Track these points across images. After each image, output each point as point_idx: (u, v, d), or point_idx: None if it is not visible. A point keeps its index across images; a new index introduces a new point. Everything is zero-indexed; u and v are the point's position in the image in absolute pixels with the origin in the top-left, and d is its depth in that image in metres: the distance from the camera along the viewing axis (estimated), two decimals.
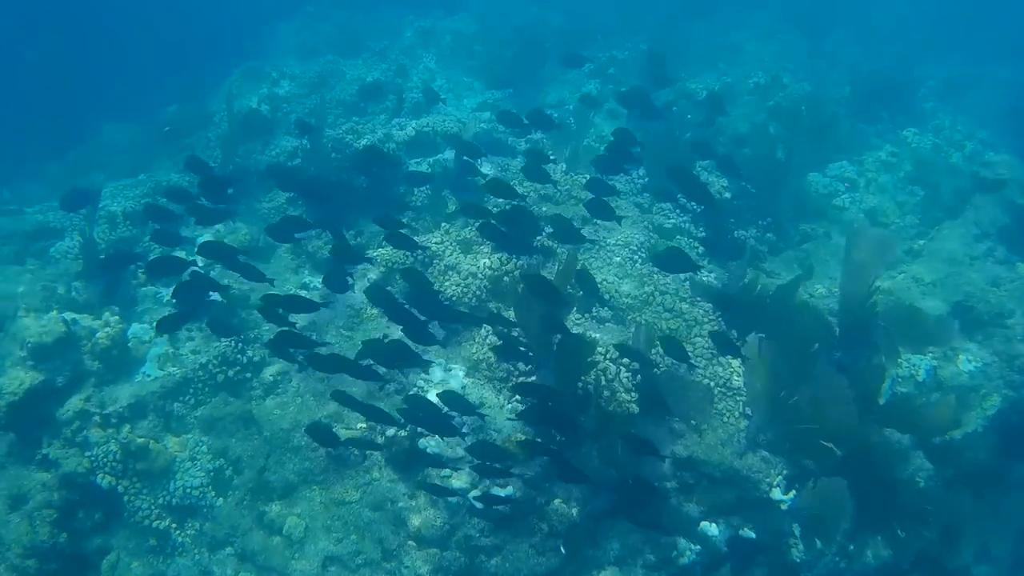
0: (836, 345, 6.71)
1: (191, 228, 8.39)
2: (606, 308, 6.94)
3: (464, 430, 5.95)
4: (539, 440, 5.72)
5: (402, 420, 5.36)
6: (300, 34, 14.78)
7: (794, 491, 6.03)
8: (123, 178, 10.04)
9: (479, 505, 5.67)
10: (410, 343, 5.41)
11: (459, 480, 5.77)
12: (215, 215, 6.58)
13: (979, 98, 12.70)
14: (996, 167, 8.93)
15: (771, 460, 6.13)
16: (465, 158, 7.84)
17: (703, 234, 8.12)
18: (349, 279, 6.21)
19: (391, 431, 5.98)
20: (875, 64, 12.08)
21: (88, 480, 6.38)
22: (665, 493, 5.93)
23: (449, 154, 9.09)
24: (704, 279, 7.29)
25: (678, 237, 8.01)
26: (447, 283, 6.90)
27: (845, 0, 15.14)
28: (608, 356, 6.07)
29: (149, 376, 6.97)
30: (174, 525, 6.39)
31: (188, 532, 6.39)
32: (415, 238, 6.47)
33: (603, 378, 5.98)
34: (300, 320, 6.92)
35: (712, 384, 6.40)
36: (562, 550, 5.70)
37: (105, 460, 6.39)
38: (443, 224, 7.67)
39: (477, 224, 6.28)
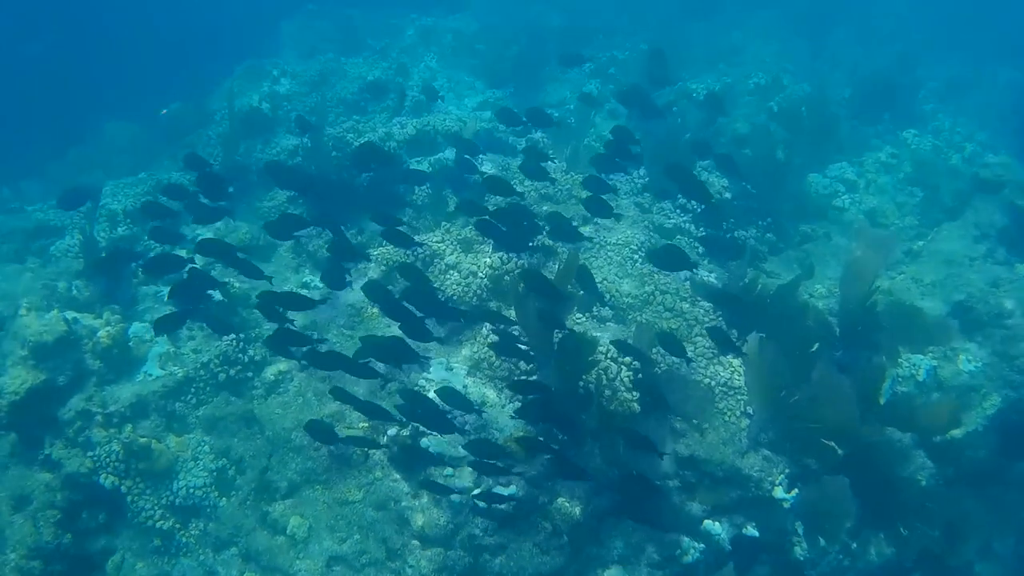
0: (837, 345, 6.73)
1: (192, 227, 8.40)
2: (607, 307, 6.96)
3: (466, 429, 5.97)
4: (537, 437, 5.73)
5: (401, 417, 5.36)
6: (301, 32, 14.81)
7: (796, 489, 6.05)
8: (124, 176, 10.03)
9: (482, 504, 5.69)
10: (408, 340, 5.41)
11: (462, 479, 5.78)
12: (213, 213, 6.57)
13: (979, 100, 12.77)
14: (996, 168, 8.95)
15: (773, 459, 6.15)
16: (464, 156, 7.86)
17: (703, 233, 8.14)
18: (348, 276, 6.20)
19: (393, 430, 5.99)
20: (875, 65, 12.13)
21: (91, 480, 6.37)
22: (668, 492, 5.94)
23: (450, 153, 9.11)
24: (705, 279, 7.31)
25: (678, 237, 8.03)
26: (448, 282, 6.91)
27: (846, 1, 15.18)
28: (609, 355, 6.09)
29: (151, 375, 6.97)
30: (178, 525, 6.39)
31: (192, 532, 6.39)
32: (415, 237, 6.48)
33: (604, 377, 6.00)
34: (300, 319, 6.93)
35: (713, 383, 6.41)
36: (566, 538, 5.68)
37: (108, 460, 6.38)
38: (444, 223, 7.68)
39: (472, 219, 6.30)
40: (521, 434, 5.80)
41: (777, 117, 10.47)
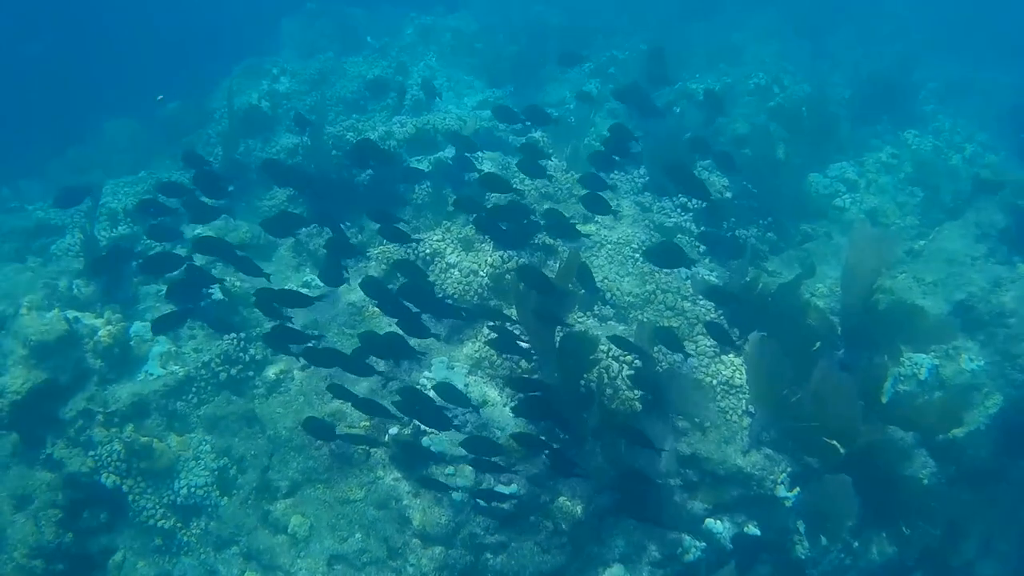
0: (838, 343, 6.73)
1: (192, 226, 8.39)
2: (608, 306, 6.95)
3: (467, 427, 5.97)
4: (533, 434, 5.72)
5: (399, 414, 5.36)
6: (301, 31, 14.81)
7: (798, 488, 6.05)
8: (124, 175, 10.04)
9: (482, 503, 5.68)
10: (407, 336, 5.41)
11: (463, 478, 5.78)
12: (209, 213, 6.55)
13: (979, 101, 12.80)
14: (996, 169, 8.97)
15: (775, 457, 6.15)
16: (461, 153, 7.86)
17: (702, 230, 8.14)
18: (346, 273, 6.19)
19: (394, 428, 5.99)
20: (876, 66, 12.14)
21: (92, 480, 6.35)
22: (669, 490, 5.94)
23: (450, 152, 9.11)
24: (706, 277, 7.31)
25: (679, 236, 8.03)
26: (448, 280, 6.90)
27: (846, 2, 15.20)
28: (611, 354, 6.09)
29: (151, 375, 6.95)
30: (179, 524, 6.38)
31: (193, 531, 6.38)
32: (415, 236, 6.48)
33: (606, 376, 6.00)
34: (301, 318, 6.93)
35: (714, 382, 6.41)
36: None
37: (109, 459, 6.36)
38: (444, 222, 7.67)
39: (472, 217, 6.29)
40: (518, 431, 5.79)
41: (777, 117, 10.49)
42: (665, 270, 7.14)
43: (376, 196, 8.36)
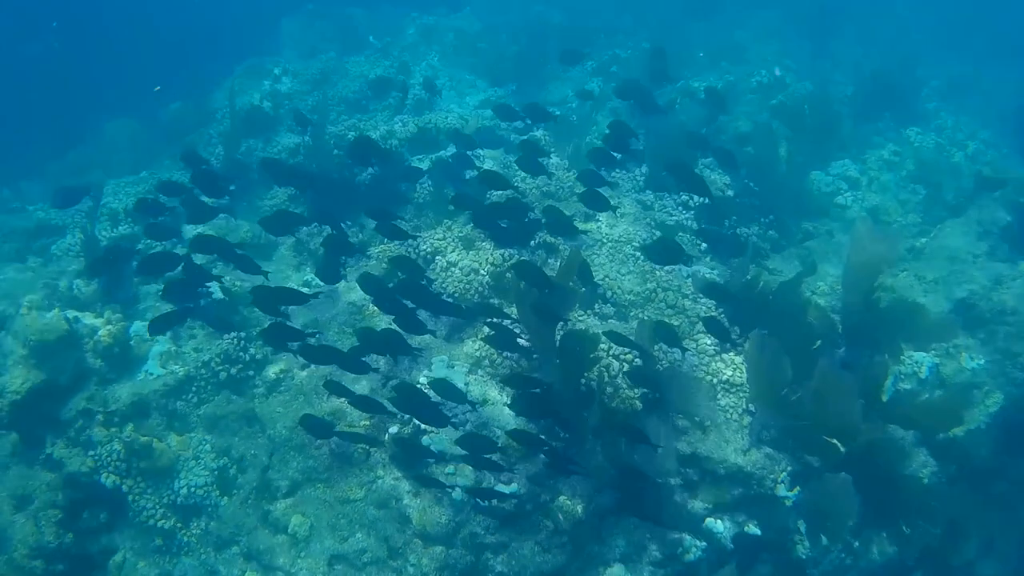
0: (839, 342, 6.71)
1: (193, 226, 8.39)
2: (608, 304, 6.94)
3: (468, 427, 5.96)
4: (531, 431, 5.71)
5: (395, 410, 5.35)
6: (302, 31, 14.83)
7: (798, 487, 6.03)
8: (125, 176, 10.05)
9: (483, 502, 5.67)
10: (403, 332, 5.40)
11: (463, 477, 5.77)
12: (207, 212, 6.54)
13: (981, 99, 12.77)
14: (998, 166, 8.94)
15: (775, 456, 6.13)
16: (461, 151, 7.85)
17: (702, 227, 8.13)
18: (343, 271, 6.18)
19: (395, 427, 5.98)
20: (878, 64, 12.10)
21: (92, 480, 6.36)
22: (670, 490, 5.93)
23: (451, 151, 9.10)
24: (707, 275, 7.29)
25: (680, 234, 8.02)
26: (449, 279, 6.89)
27: (847, 2, 15.17)
28: (611, 352, 6.08)
29: (151, 374, 6.95)
30: (179, 524, 6.38)
31: (193, 531, 6.38)
32: (416, 235, 6.46)
33: (606, 374, 5.99)
34: (301, 317, 6.93)
35: (715, 380, 6.40)
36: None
37: (109, 459, 6.37)
38: (445, 220, 7.66)
39: (467, 214, 6.27)
40: (517, 429, 5.78)
41: (780, 115, 10.46)
42: (666, 268, 7.12)
43: (377, 195, 8.35)
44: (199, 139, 10.81)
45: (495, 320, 6.00)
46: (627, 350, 6.06)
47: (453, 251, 7.13)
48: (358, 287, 5.73)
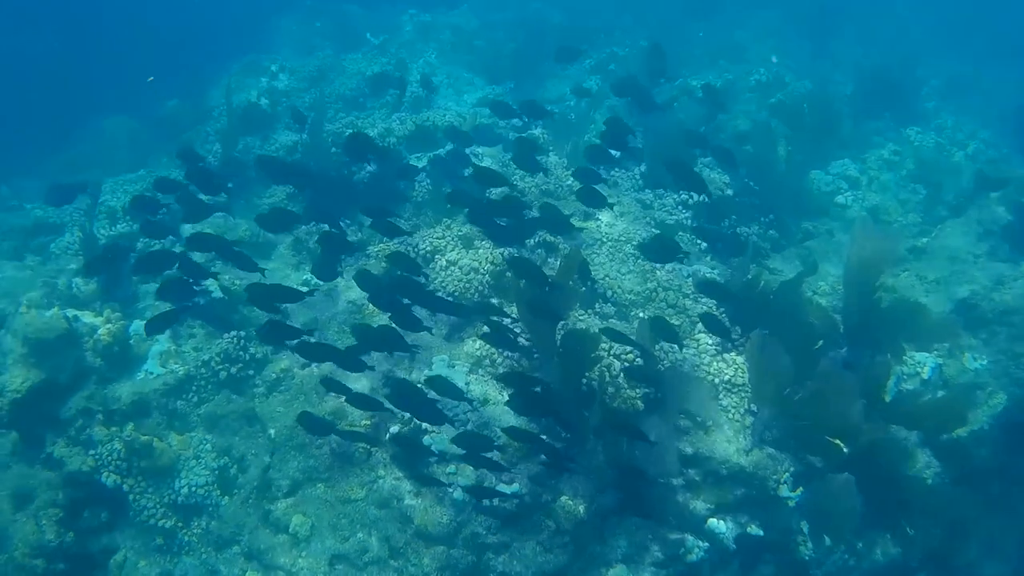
0: (841, 342, 6.70)
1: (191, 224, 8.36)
2: (609, 304, 6.92)
3: (468, 426, 5.94)
4: (529, 429, 5.69)
5: (394, 409, 5.33)
6: (299, 28, 14.80)
7: (801, 488, 6.03)
8: (123, 173, 10.01)
9: (485, 501, 5.66)
10: (400, 329, 5.38)
11: (465, 477, 5.76)
12: (203, 210, 6.51)
13: (981, 98, 12.78)
14: (999, 166, 8.94)
15: (777, 457, 6.12)
16: (456, 148, 7.82)
17: (699, 224, 8.12)
18: (339, 268, 6.15)
19: (395, 427, 5.96)
20: (877, 63, 12.09)
21: (93, 479, 6.33)
22: (672, 490, 5.92)
23: (449, 148, 9.07)
24: (707, 275, 7.28)
25: (680, 233, 8.00)
26: (449, 278, 6.87)
27: (848, 1, 15.18)
28: (612, 352, 6.06)
29: (151, 373, 6.92)
30: (180, 524, 6.36)
31: (194, 531, 6.36)
32: (414, 232, 6.42)
33: (607, 374, 5.97)
34: (301, 316, 6.90)
35: (716, 380, 6.39)
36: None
37: (109, 458, 6.34)
38: (444, 219, 7.64)
39: (465, 211, 6.25)
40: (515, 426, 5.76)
41: (779, 114, 10.45)
42: (666, 267, 7.11)
43: (375, 193, 8.32)
44: (196, 136, 10.77)
45: (495, 319, 5.98)
46: (628, 349, 6.05)
47: (453, 250, 7.10)
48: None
